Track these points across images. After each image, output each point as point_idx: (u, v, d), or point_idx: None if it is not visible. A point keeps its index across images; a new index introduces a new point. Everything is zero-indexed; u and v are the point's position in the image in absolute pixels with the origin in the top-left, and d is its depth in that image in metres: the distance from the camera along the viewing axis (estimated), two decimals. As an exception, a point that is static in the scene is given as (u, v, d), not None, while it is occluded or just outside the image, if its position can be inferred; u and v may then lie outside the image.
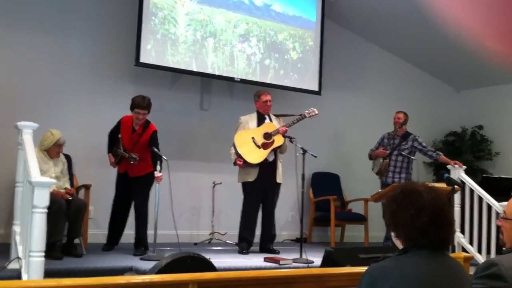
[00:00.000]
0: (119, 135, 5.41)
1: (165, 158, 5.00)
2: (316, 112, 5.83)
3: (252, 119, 5.73)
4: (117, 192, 5.46)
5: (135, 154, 5.19)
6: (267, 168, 5.62)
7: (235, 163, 5.60)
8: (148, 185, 5.31)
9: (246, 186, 5.68)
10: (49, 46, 5.97)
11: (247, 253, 5.52)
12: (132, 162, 5.20)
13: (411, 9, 6.97)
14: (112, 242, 5.45)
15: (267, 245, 5.69)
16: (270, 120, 5.78)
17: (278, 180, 5.68)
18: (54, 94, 5.93)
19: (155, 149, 5.10)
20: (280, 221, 6.38)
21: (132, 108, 5.27)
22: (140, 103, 5.20)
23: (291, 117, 5.77)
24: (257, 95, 5.82)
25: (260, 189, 5.63)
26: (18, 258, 3.91)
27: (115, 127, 5.44)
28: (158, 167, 4.94)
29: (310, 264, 4.87)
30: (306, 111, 5.80)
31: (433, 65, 8.41)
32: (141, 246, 5.19)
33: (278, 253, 5.55)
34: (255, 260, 5.08)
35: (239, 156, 5.55)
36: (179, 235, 5.17)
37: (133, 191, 5.34)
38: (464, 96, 8.91)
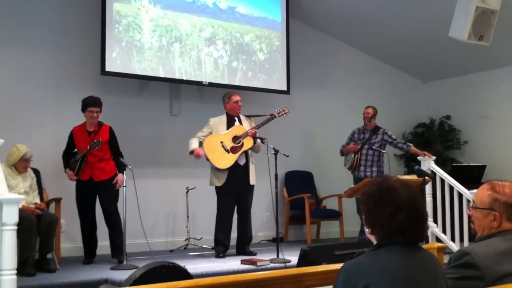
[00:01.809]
0: (75, 148, 5.36)
1: (130, 167, 5.04)
2: (287, 111, 5.81)
3: (221, 121, 5.71)
4: (81, 202, 5.34)
5: (96, 140, 5.17)
6: (239, 170, 5.61)
7: (191, 153, 5.56)
8: (114, 188, 5.26)
9: (218, 189, 5.66)
10: (11, 59, 5.85)
11: (223, 256, 5.50)
12: (96, 148, 5.15)
13: (374, 5, 7.05)
14: (90, 254, 5.35)
15: (243, 247, 5.69)
16: (240, 121, 5.76)
17: (252, 182, 5.67)
18: (19, 108, 5.81)
19: (121, 159, 5.21)
20: (256, 222, 6.38)
21: (85, 108, 5.29)
22: (92, 102, 5.28)
23: (261, 118, 5.77)
24: (227, 96, 5.80)
25: (233, 191, 5.61)
26: (-10, 277, 3.82)
27: (67, 143, 5.40)
28: (123, 175, 5.05)
29: (287, 264, 4.88)
30: (276, 111, 5.79)
31: (399, 59, 8.52)
32: (120, 253, 5.02)
33: (255, 254, 5.54)
34: (232, 263, 5.07)
35: (208, 160, 5.53)
36: (154, 243, 5.14)
37: (100, 196, 5.28)
38: (430, 88, 9.05)
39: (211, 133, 5.66)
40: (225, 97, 5.81)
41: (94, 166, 5.25)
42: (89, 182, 5.27)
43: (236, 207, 5.71)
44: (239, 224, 5.74)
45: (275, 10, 7.28)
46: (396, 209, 1.83)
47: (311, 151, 7.85)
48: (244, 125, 5.73)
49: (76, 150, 5.37)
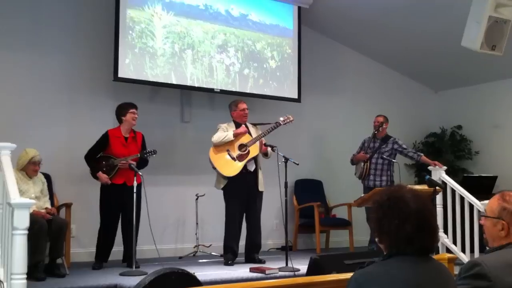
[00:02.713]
0: (103, 151, 5.35)
1: (140, 173, 5.08)
2: (292, 118, 5.81)
3: (230, 128, 5.72)
4: (108, 205, 5.31)
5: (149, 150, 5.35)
6: (249, 177, 5.60)
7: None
8: (140, 194, 5.25)
9: (226, 195, 5.66)
10: (25, 64, 5.91)
11: (232, 264, 5.48)
12: (151, 156, 5.34)
13: (386, 13, 7.05)
14: (104, 258, 5.32)
15: (252, 255, 5.66)
16: (247, 129, 5.77)
17: (260, 188, 5.67)
18: (31, 113, 5.86)
19: (146, 154, 5.33)
20: (265, 229, 6.36)
21: (125, 111, 5.40)
22: (133, 104, 5.44)
23: (267, 126, 5.77)
24: (234, 104, 5.82)
25: (242, 198, 5.61)
26: (0, 281, 3.84)
27: (98, 144, 5.38)
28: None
29: (296, 272, 4.87)
30: (281, 119, 5.78)
31: (411, 68, 8.50)
32: (133, 260, 5.01)
33: (263, 262, 5.52)
34: (241, 271, 5.05)
35: (214, 168, 5.55)
36: (164, 250, 5.14)
37: (126, 201, 5.19)
38: (442, 97, 9.01)
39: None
40: (232, 105, 5.83)
41: (126, 172, 5.25)
42: (121, 186, 5.27)
43: (245, 214, 5.71)
44: (248, 231, 5.73)
45: (287, 18, 7.29)
46: (404, 220, 1.82)
47: (321, 159, 7.83)
48: (252, 133, 5.74)
49: (101, 154, 5.36)
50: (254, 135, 5.71)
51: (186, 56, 6.49)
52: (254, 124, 5.91)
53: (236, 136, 5.61)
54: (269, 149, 5.63)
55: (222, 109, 6.70)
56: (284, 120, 5.77)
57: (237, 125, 5.75)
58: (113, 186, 5.30)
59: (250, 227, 5.72)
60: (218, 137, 5.60)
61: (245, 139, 5.63)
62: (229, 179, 5.56)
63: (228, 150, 5.57)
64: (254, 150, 5.59)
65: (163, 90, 6.61)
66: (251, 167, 5.63)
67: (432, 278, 1.84)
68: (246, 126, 5.79)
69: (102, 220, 5.37)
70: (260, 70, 7.02)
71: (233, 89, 6.77)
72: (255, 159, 5.64)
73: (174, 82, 6.42)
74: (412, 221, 1.81)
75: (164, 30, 6.38)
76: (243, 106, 5.76)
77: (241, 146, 5.60)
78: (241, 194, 5.59)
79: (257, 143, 5.63)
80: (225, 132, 5.65)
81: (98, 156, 5.38)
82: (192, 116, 6.83)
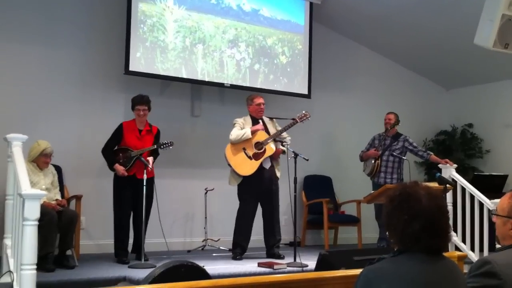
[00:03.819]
0: (119, 143, 5.36)
1: (150, 167, 5.10)
2: (308, 115, 5.78)
3: (247, 122, 5.71)
4: (123, 197, 5.29)
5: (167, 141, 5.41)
6: (265, 174, 5.59)
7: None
8: (152, 188, 5.28)
9: (240, 192, 5.65)
10: (37, 56, 5.94)
11: (240, 259, 5.49)
12: (169, 147, 5.40)
13: (398, 10, 7.01)
14: (126, 249, 5.31)
15: (272, 250, 5.64)
16: (264, 123, 5.76)
17: (278, 175, 5.68)
18: (43, 105, 5.89)
19: (162, 145, 5.37)
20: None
21: (133, 106, 5.42)
22: (139, 100, 5.42)
23: (283, 122, 5.76)
24: (250, 98, 5.81)
25: (256, 195, 5.60)
26: (10, 271, 3.88)
27: (113, 137, 5.39)
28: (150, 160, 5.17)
29: (304, 268, 4.87)
30: (297, 115, 5.76)
31: (422, 65, 8.45)
32: (142, 252, 5.02)
33: (283, 258, 5.49)
34: (249, 265, 5.06)
35: (230, 166, 5.54)
36: (172, 243, 5.15)
37: (138, 194, 5.17)
38: (453, 95, 8.96)
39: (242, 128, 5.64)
40: (248, 99, 5.82)
41: (141, 164, 5.24)
42: (132, 178, 5.27)
43: (262, 211, 5.70)
44: (265, 226, 5.69)
45: (299, 14, 7.27)
46: (412, 217, 1.80)
47: (330, 156, 7.82)
48: (268, 127, 5.73)
49: (118, 146, 5.36)
50: (271, 129, 5.70)
51: (197, 51, 6.50)
52: (271, 118, 5.89)
53: (253, 133, 5.59)
54: (281, 147, 5.59)
55: (232, 103, 6.72)
56: (300, 117, 5.74)
57: (253, 120, 5.74)
58: (128, 178, 5.29)
59: (267, 222, 5.69)
60: (236, 135, 5.56)
61: (261, 137, 5.60)
62: (244, 176, 5.56)
63: (244, 149, 5.56)
64: (270, 149, 5.57)
65: (173, 84, 6.62)
66: (267, 165, 5.61)
67: (442, 277, 1.82)
68: (263, 121, 5.78)
69: (119, 212, 5.33)
70: (270, 65, 7.01)
71: (243, 84, 6.77)
72: (270, 156, 5.62)
73: (185, 76, 6.42)
74: (421, 220, 1.79)
75: (175, 24, 6.39)
76: (259, 100, 5.75)
77: (258, 144, 5.58)
78: (256, 191, 5.58)
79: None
80: (242, 128, 5.63)
81: (115, 149, 5.39)
82: (202, 111, 6.84)
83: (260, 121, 5.76)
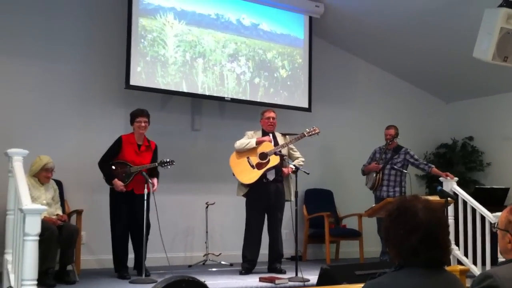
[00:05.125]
0: (116, 157, 5.34)
1: (150, 181, 5.09)
2: (318, 130, 5.76)
3: (257, 135, 5.72)
4: (120, 212, 5.27)
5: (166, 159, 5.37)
6: (270, 186, 5.59)
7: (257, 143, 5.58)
8: (149, 203, 5.24)
9: (248, 204, 5.64)
10: (37, 71, 5.96)
11: (246, 273, 5.45)
12: (168, 166, 5.36)
13: (397, 24, 7.05)
14: (126, 265, 5.27)
15: (273, 265, 5.62)
16: (275, 137, 5.76)
17: (287, 197, 5.66)
18: (43, 120, 5.91)
19: (163, 164, 5.35)
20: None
21: (133, 119, 5.41)
22: (140, 112, 5.42)
23: (291, 136, 5.77)
24: (261, 112, 5.85)
25: (263, 207, 5.59)
26: (11, 287, 3.86)
27: (111, 150, 5.36)
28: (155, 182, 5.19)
29: (306, 283, 4.84)
30: (306, 130, 5.76)
31: (421, 78, 8.48)
32: (142, 268, 4.99)
33: (284, 273, 5.47)
34: (250, 280, 5.04)
35: (233, 174, 5.54)
36: (173, 258, 5.13)
37: (136, 209, 5.17)
38: (453, 108, 8.98)
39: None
40: (260, 114, 5.85)
41: (139, 179, 5.25)
42: (129, 194, 5.25)
43: (267, 224, 5.69)
44: (270, 241, 5.68)
45: (298, 28, 7.31)
46: (410, 231, 1.79)
47: (331, 169, 7.81)
48: (279, 142, 5.72)
49: (115, 160, 5.33)
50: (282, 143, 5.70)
51: (197, 65, 6.52)
52: (284, 134, 5.90)
53: (259, 143, 5.60)
54: (291, 166, 5.52)
55: (232, 118, 6.73)
56: (309, 132, 5.74)
57: (264, 134, 5.75)
58: (124, 193, 5.27)
59: (271, 237, 5.68)
60: (240, 143, 5.61)
61: (267, 148, 5.60)
62: (250, 187, 5.55)
63: (248, 158, 5.57)
64: (274, 160, 5.56)
65: (174, 98, 6.64)
66: (271, 177, 5.60)
67: (443, 290, 1.81)
68: (274, 135, 5.78)
69: (116, 228, 5.30)
70: (270, 79, 7.04)
71: (244, 98, 6.79)
72: (276, 168, 5.61)
73: (185, 90, 6.45)
74: (418, 233, 1.78)
75: (175, 39, 6.42)
76: (269, 114, 5.76)
77: (262, 155, 5.58)
78: (261, 203, 5.57)
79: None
80: (249, 138, 5.65)
81: (112, 163, 5.34)
82: (203, 125, 6.84)
83: (270, 134, 5.76)
